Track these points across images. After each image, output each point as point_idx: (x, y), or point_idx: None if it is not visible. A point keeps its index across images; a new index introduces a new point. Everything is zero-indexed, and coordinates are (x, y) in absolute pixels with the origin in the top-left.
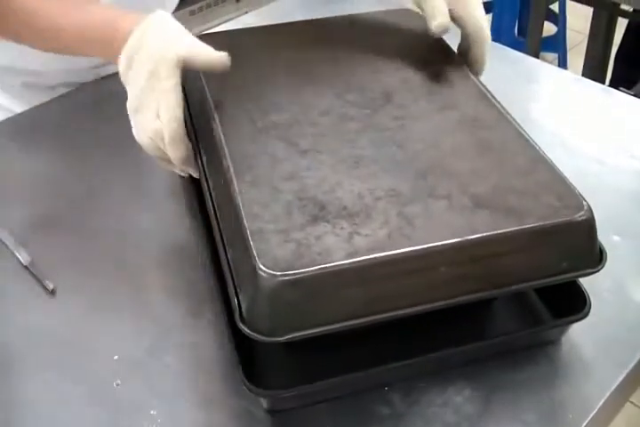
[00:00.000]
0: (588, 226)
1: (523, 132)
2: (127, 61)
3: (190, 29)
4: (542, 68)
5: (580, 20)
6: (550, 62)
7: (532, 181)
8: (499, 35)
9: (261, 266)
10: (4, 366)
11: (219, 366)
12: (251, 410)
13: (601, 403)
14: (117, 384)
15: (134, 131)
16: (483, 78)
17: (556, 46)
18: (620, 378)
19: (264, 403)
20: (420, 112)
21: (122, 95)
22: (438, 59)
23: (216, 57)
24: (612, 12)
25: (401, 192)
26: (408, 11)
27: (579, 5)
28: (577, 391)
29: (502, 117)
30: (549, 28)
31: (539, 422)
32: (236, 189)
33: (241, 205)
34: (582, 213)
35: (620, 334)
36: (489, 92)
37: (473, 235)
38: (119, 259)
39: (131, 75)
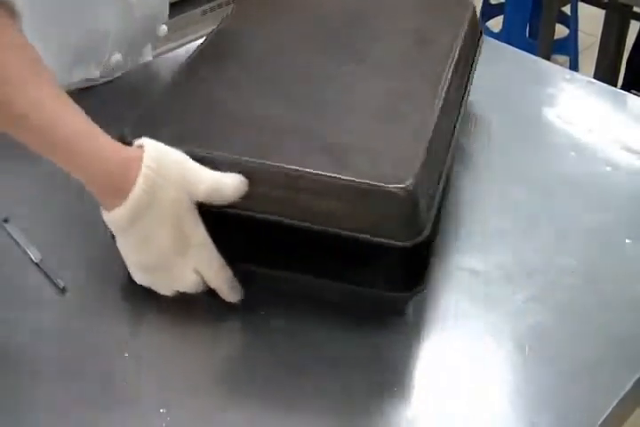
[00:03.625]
0: (400, 199)
1: (438, 115)
2: (130, 220)
3: (203, 29)
4: (554, 71)
5: (592, 22)
6: (562, 65)
7: (393, 147)
8: (510, 37)
9: None
10: (14, 363)
11: (230, 366)
12: (260, 408)
13: (610, 409)
14: (127, 382)
15: (146, 282)
16: (494, 81)
17: (568, 49)
18: (631, 382)
19: None
20: (367, 75)
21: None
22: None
23: (232, 191)
24: (625, 15)
25: (285, 122)
26: None
27: (591, 7)
28: (587, 396)
29: (431, 96)
30: (561, 31)
31: (550, 425)
32: None
33: None
34: (399, 185)
35: (631, 337)
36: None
37: (301, 168)
38: None
39: (136, 233)
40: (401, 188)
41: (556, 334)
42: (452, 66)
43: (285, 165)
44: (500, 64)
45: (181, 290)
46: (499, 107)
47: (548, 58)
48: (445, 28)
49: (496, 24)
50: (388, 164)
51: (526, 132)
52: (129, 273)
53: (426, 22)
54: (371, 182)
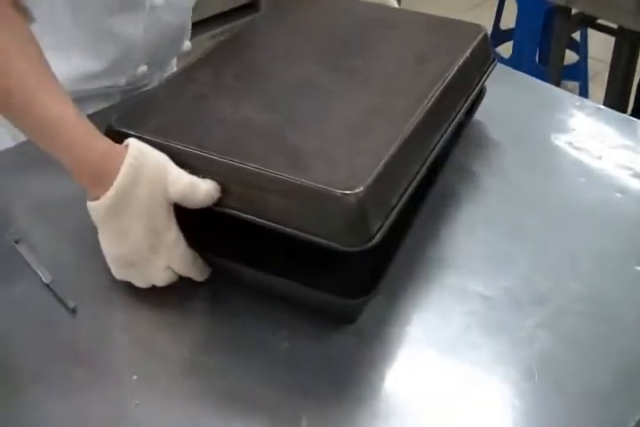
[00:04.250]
0: (349, 205)
1: (411, 131)
2: (112, 210)
3: None
4: (563, 97)
5: (601, 48)
6: (571, 91)
7: (353, 156)
8: (520, 62)
9: None
10: (24, 383)
11: (236, 390)
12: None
13: None
14: (136, 404)
15: (123, 276)
16: (504, 106)
17: (578, 75)
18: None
19: None
20: (355, 89)
21: None
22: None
23: (204, 195)
24: (635, 42)
25: (260, 124)
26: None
27: (601, 34)
28: (596, 425)
29: (410, 112)
30: (571, 57)
31: None
32: None
33: None
34: (349, 192)
35: None
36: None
37: (259, 166)
38: None
39: (114, 227)
40: (350, 194)
41: (566, 361)
42: (444, 85)
43: (244, 162)
44: (510, 89)
45: (157, 284)
46: (508, 132)
47: (557, 84)
48: (449, 50)
49: (506, 49)
50: (345, 171)
51: (535, 158)
52: (141, 296)
53: (431, 43)
54: (322, 186)
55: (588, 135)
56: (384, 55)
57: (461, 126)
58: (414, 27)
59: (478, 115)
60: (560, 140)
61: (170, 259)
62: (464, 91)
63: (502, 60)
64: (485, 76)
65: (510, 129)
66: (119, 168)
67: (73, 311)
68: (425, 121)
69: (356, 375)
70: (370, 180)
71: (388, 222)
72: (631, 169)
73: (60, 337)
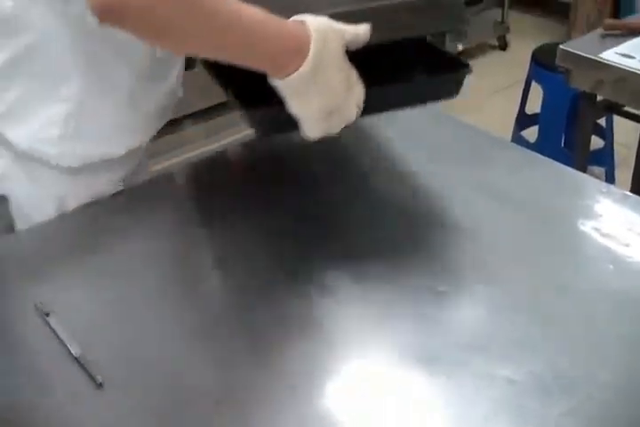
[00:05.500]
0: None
1: None
2: (313, 71)
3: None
4: (589, 183)
5: (628, 134)
6: (598, 177)
7: None
8: (545, 147)
9: None
10: None
11: None
12: None
13: None
14: None
15: (324, 130)
16: (529, 192)
17: (604, 160)
18: None
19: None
20: None
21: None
22: None
23: (364, 34)
24: None
25: None
26: None
27: (627, 119)
28: None
29: None
30: (597, 142)
31: None
32: None
33: None
34: None
35: None
36: None
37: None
38: (166, 355)
39: (318, 82)
40: None
41: None
42: None
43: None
44: (535, 175)
45: (351, 120)
46: (533, 218)
47: (584, 169)
48: None
49: (531, 134)
50: None
51: (562, 244)
52: (167, 372)
53: None
54: None
55: (615, 222)
56: None
57: None
58: None
59: (503, 200)
60: (586, 227)
61: (357, 94)
62: None
63: (528, 145)
64: None
65: (536, 215)
66: (309, 35)
67: (100, 386)
68: None
69: None
70: None
71: None
72: None
73: (85, 411)
